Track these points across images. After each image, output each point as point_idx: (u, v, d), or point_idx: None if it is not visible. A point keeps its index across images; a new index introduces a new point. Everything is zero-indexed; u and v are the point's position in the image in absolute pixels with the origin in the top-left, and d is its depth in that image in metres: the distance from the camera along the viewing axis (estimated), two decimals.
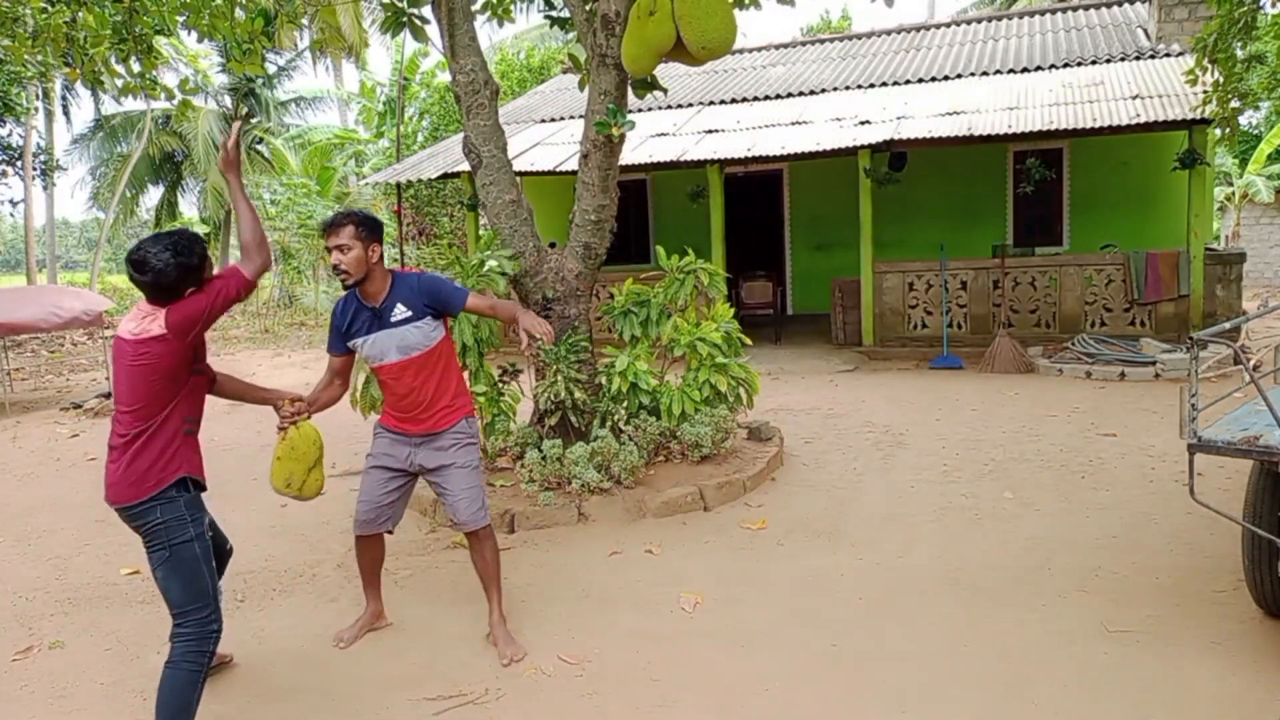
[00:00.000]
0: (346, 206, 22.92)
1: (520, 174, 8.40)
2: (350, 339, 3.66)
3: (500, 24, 7.12)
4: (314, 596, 4.47)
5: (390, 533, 3.96)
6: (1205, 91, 6.94)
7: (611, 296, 6.50)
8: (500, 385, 6.26)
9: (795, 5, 6.06)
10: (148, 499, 2.92)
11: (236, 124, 3.36)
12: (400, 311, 3.58)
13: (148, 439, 2.92)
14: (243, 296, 3.02)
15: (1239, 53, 6.40)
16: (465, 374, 6.10)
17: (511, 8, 7.06)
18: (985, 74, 12.93)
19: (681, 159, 11.22)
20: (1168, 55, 11.96)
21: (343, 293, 3.67)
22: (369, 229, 3.50)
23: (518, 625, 4.00)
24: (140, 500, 2.92)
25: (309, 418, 3.60)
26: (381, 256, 3.59)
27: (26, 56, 6.73)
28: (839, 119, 11.77)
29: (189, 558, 3.00)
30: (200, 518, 3.10)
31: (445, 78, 19.28)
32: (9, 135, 17.00)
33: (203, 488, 3.14)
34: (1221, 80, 6.61)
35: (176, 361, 2.92)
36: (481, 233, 14.39)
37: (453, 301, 3.65)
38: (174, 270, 2.88)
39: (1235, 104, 6.92)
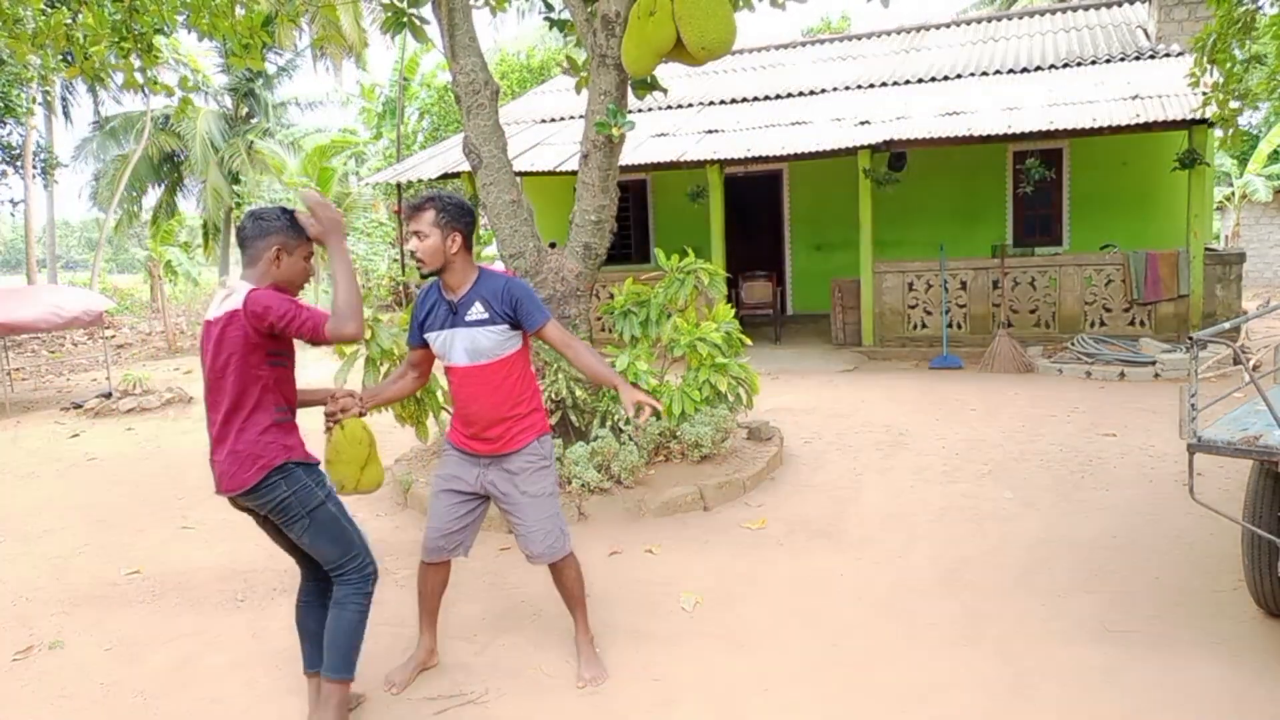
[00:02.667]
0: (345, 207, 22.94)
1: (520, 174, 8.41)
2: (426, 330, 3.36)
3: (494, 14, 7.13)
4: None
5: (464, 556, 3.66)
6: (1206, 93, 6.94)
7: (611, 296, 6.50)
8: None
9: (785, 9, 6.06)
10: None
11: (312, 189, 3.21)
12: (477, 311, 3.25)
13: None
14: (306, 338, 2.86)
15: (1238, 53, 6.40)
16: None
17: (507, 1, 7.07)
18: (985, 74, 12.94)
19: (681, 159, 11.23)
20: (1167, 55, 11.97)
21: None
22: (451, 215, 3.18)
23: (518, 625, 4.00)
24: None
25: (364, 414, 3.31)
26: (466, 246, 3.26)
27: (27, 57, 6.73)
28: (839, 119, 11.78)
29: (328, 519, 3.02)
30: (322, 479, 3.08)
31: (445, 78, 19.29)
32: (9, 135, 16.99)
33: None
34: (1221, 81, 6.61)
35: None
36: (482, 233, 14.43)
37: (530, 318, 3.27)
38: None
39: (1235, 105, 6.91)
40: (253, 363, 2.86)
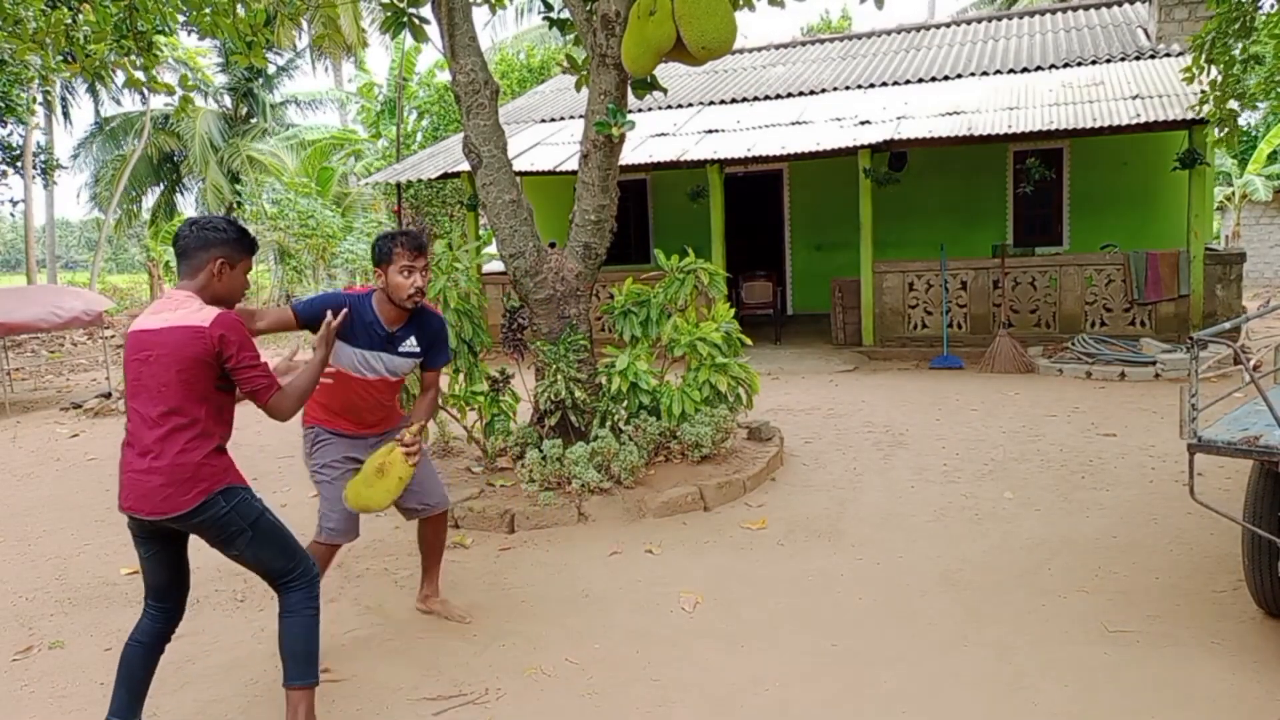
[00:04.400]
0: (345, 207, 22.94)
1: (520, 174, 8.40)
2: (349, 344, 3.46)
3: (494, 12, 7.13)
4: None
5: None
6: (1203, 91, 6.93)
7: (611, 296, 6.50)
8: (497, 387, 6.26)
9: (785, 7, 6.05)
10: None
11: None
12: (411, 345, 3.58)
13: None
14: (244, 390, 2.84)
15: (1236, 53, 6.39)
16: (460, 375, 6.14)
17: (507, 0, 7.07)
18: (985, 74, 12.94)
19: (681, 159, 11.22)
20: (1168, 55, 11.96)
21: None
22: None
23: (517, 626, 4.00)
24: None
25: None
26: None
27: (28, 56, 6.74)
28: (839, 119, 11.77)
29: (270, 527, 2.96)
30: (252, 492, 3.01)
31: (445, 77, 19.28)
32: (9, 135, 16.99)
33: None
34: (1220, 79, 6.60)
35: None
36: (481, 233, 14.44)
37: (436, 360, 3.69)
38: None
39: (1233, 104, 6.91)
40: (203, 383, 2.76)
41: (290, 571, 3.00)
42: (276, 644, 3.67)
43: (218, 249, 2.85)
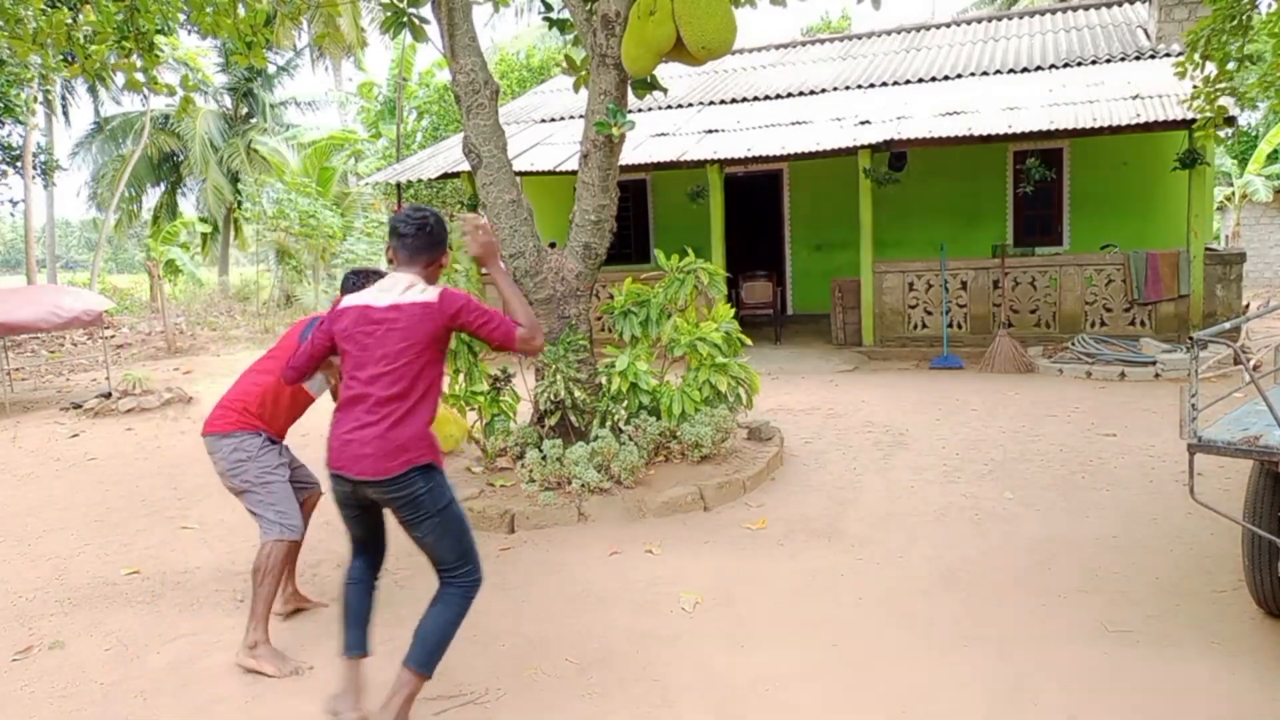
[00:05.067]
0: (345, 207, 22.94)
1: (520, 174, 8.41)
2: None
3: (497, 9, 7.13)
4: (314, 596, 4.46)
5: None
6: (1195, 87, 6.91)
7: (611, 297, 6.50)
8: (498, 386, 6.26)
9: (786, 6, 6.05)
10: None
11: (474, 216, 3.18)
12: None
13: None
14: (495, 342, 3.00)
15: (1233, 50, 6.37)
16: (459, 375, 6.14)
17: None
18: (985, 74, 12.94)
19: (681, 159, 11.23)
20: (1168, 55, 11.96)
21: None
22: None
23: (517, 626, 4.00)
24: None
25: None
26: None
27: (28, 56, 6.75)
28: (839, 119, 11.77)
29: (455, 519, 3.02)
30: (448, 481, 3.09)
31: (444, 77, 19.28)
32: (9, 135, 16.98)
33: None
34: (1213, 76, 6.57)
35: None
36: None
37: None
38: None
39: (1227, 101, 6.87)
40: (430, 358, 2.94)
41: (459, 568, 3.04)
42: (275, 644, 3.66)
43: (442, 249, 3.11)
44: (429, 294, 2.93)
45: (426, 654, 2.99)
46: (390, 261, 3.12)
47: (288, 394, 3.91)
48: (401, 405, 2.88)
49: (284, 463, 3.93)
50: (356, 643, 3.17)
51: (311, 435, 3.79)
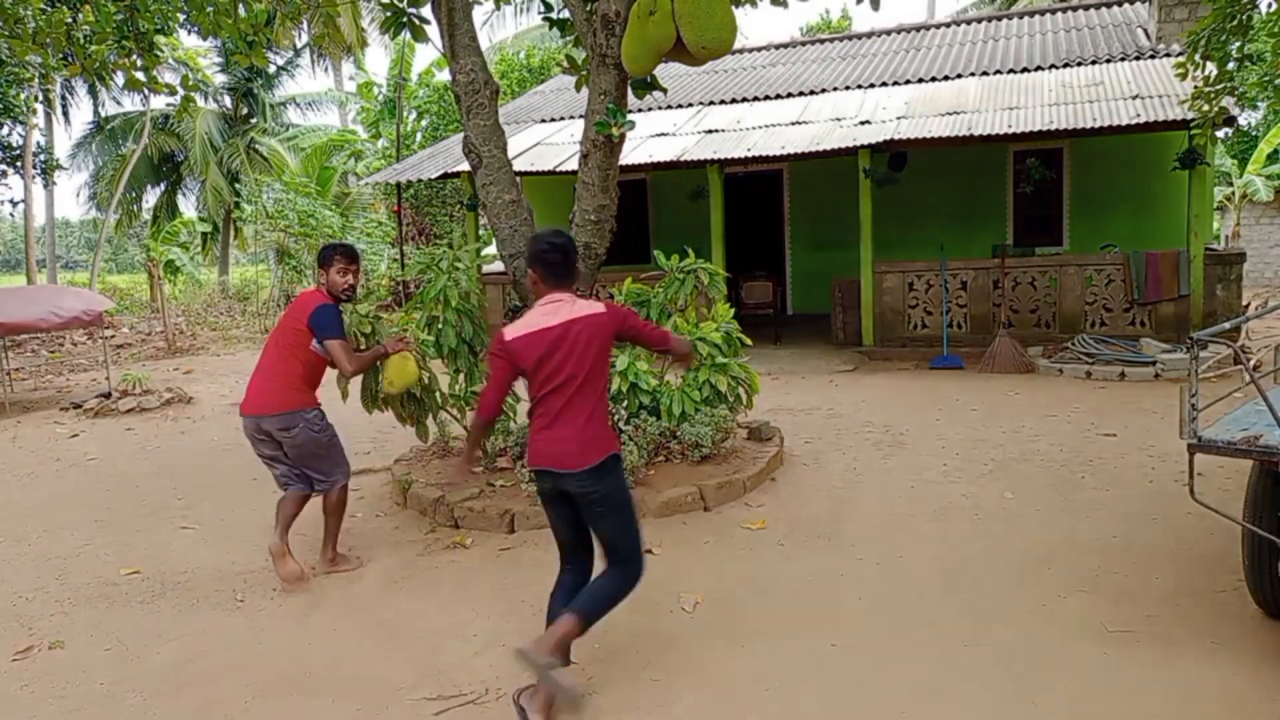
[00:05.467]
0: (345, 207, 22.96)
1: (520, 174, 8.40)
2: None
3: (498, 7, 7.13)
4: (314, 596, 4.47)
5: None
6: (1196, 87, 6.91)
7: (611, 296, 6.50)
8: None
9: (788, 6, 6.05)
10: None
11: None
12: None
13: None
14: (653, 343, 3.52)
15: (1233, 51, 6.36)
16: (460, 375, 6.14)
17: None
18: (985, 74, 12.93)
19: (681, 159, 11.22)
20: (1168, 55, 11.96)
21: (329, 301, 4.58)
22: None
23: (517, 626, 4.00)
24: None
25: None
26: None
27: (28, 56, 6.76)
28: (839, 119, 11.77)
29: (632, 515, 3.36)
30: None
31: (444, 77, 19.27)
32: (9, 135, 16.98)
33: None
34: (1213, 76, 6.57)
35: None
36: (481, 233, 14.41)
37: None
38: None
39: (1227, 101, 6.86)
40: (604, 362, 3.32)
41: (628, 560, 3.32)
42: (276, 643, 3.68)
43: (578, 257, 3.52)
44: (595, 307, 3.29)
45: (588, 606, 3.24)
46: (532, 288, 3.41)
47: (322, 367, 4.66)
48: (589, 406, 3.25)
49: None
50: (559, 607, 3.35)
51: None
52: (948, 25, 16.42)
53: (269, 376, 4.56)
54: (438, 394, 5.80)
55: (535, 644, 3.13)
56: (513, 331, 3.31)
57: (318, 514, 4.80)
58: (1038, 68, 12.72)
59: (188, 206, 27.84)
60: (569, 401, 3.23)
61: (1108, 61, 12.36)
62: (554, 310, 3.29)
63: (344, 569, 4.78)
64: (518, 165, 10.23)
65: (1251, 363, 7.17)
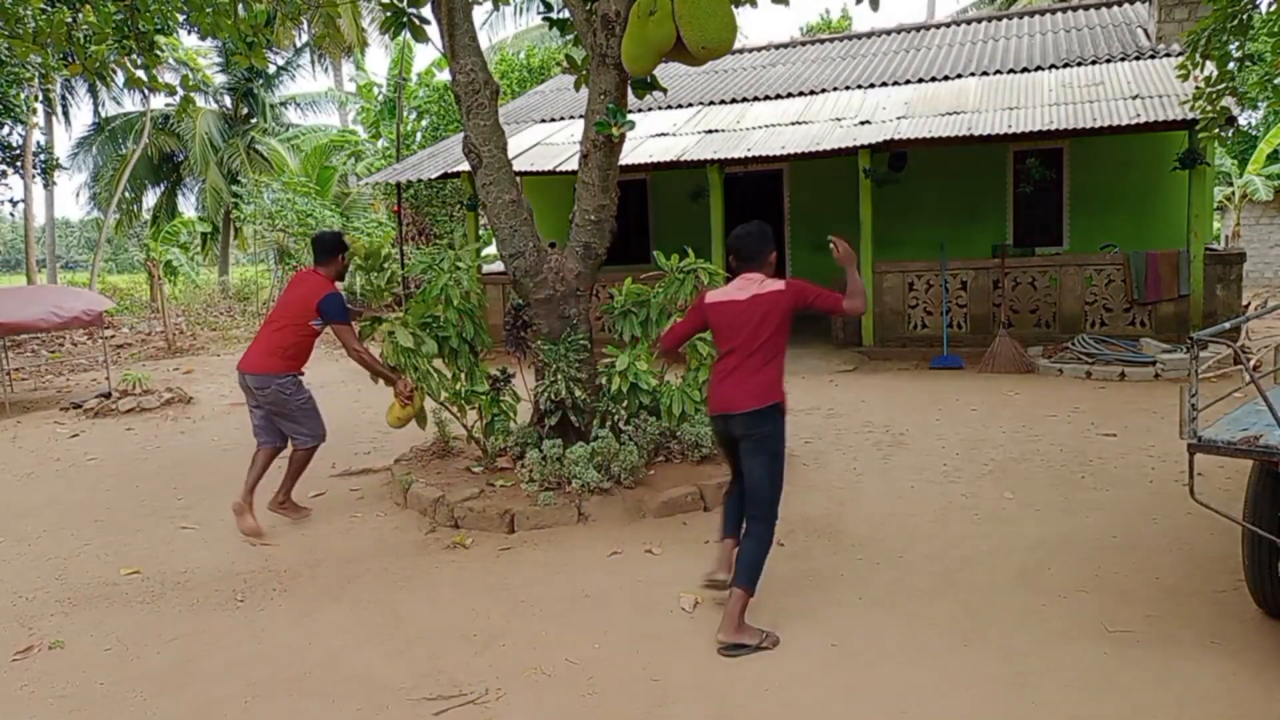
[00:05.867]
0: (345, 207, 22.96)
1: (520, 174, 8.40)
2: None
3: (497, 7, 7.14)
4: (314, 596, 4.47)
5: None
6: (1197, 87, 6.91)
7: (611, 297, 6.50)
8: (498, 386, 6.26)
9: (789, 4, 6.05)
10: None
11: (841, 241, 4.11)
12: None
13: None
14: (827, 309, 3.91)
15: (1233, 50, 6.36)
16: (460, 375, 6.14)
17: None
18: (985, 74, 12.93)
19: (681, 159, 11.22)
20: (1168, 55, 11.96)
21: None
22: None
23: (517, 625, 4.00)
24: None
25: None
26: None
27: (28, 56, 6.76)
28: (839, 119, 11.78)
29: (781, 464, 3.90)
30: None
31: (444, 77, 19.27)
32: (9, 135, 16.98)
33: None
34: (1214, 76, 6.56)
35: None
36: (481, 233, 14.39)
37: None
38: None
39: (1229, 102, 6.86)
40: (781, 331, 3.90)
41: (768, 507, 3.87)
42: (275, 644, 3.70)
43: (770, 247, 4.02)
44: (777, 285, 3.90)
45: (748, 574, 3.76)
46: (732, 267, 4.07)
47: (309, 343, 5.43)
48: (761, 365, 3.86)
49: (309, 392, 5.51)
50: (730, 530, 4.13)
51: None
52: (948, 25, 16.42)
53: (261, 342, 5.39)
54: (435, 383, 5.81)
55: (724, 630, 3.70)
56: (712, 296, 4.06)
57: (316, 515, 4.80)
58: (1038, 68, 12.72)
59: (187, 207, 27.86)
60: (743, 362, 3.88)
61: (1108, 61, 12.35)
62: (745, 286, 3.95)
63: (290, 514, 5.60)
64: (518, 165, 10.23)
65: (1251, 363, 7.17)
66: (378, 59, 60.71)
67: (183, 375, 12.69)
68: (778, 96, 13.87)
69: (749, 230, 4.10)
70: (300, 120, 27.89)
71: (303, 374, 5.49)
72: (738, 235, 4.10)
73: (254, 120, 26.76)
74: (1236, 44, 6.32)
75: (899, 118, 11.21)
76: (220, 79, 26.39)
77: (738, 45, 12.29)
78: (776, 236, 14.73)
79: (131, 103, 26.71)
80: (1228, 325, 3.91)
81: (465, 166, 8.83)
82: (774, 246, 4.10)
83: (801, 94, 13.77)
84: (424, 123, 21.23)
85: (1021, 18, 15.97)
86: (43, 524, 5.94)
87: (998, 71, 12.92)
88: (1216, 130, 6.78)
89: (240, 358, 5.47)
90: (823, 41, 17.29)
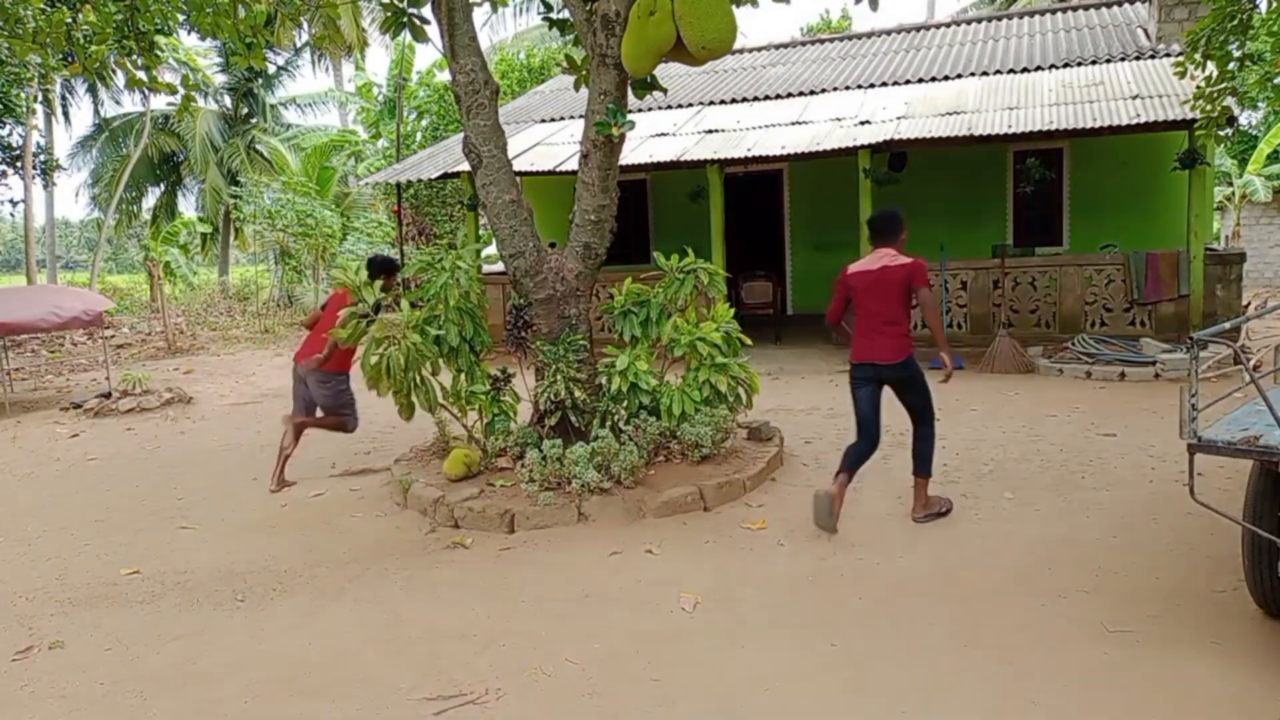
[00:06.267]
0: (345, 207, 22.96)
1: (520, 174, 8.40)
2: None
3: (495, 9, 7.14)
4: (314, 596, 4.47)
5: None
6: (1198, 87, 6.90)
7: (611, 297, 6.50)
8: (498, 386, 6.26)
9: (790, 3, 6.06)
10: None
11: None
12: None
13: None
14: (922, 285, 4.91)
15: (1233, 50, 6.35)
16: (460, 375, 6.15)
17: None
18: (985, 74, 12.93)
19: (681, 159, 11.22)
20: (1168, 55, 11.95)
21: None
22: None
23: (517, 626, 4.00)
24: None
25: None
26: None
27: (28, 56, 6.76)
28: (839, 119, 11.77)
29: (927, 390, 5.13)
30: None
31: (444, 77, 19.27)
32: (9, 135, 16.97)
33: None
34: (1213, 76, 6.56)
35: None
36: (481, 233, 14.39)
37: None
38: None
39: (1229, 102, 6.85)
40: (905, 296, 4.93)
41: (927, 412, 5.13)
42: (276, 644, 3.71)
43: (900, 228, 5.03)
44: (903, 260, 4.91)
45: (924, 464, 5.09)
46: (873, 243, 5.08)
47: (352, 351, 6.39)
48: (893, 321, 4.95)
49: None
50: (848, 466, 4.99)
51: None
52: (948, 25, 16.41)
53: (313, 343, 6.48)
54: (435, 386, 5.81)
55: (916, 509, 5.11)
56: (852, 267, 5.10)
57: (316, 516, 4.79)
58: (1038, 68, 12.72)
59: (187, 207, 27.83)
60: (876, 321, 4.95)
61: (1108, 61, 12.35)
62: (878, 259, 4.97)
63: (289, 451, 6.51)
64: (518, 165, 10.24)
65: (1251, 363, 7.17)
66: (378, 59, 60.69)
67: (183, 375, 12.69)
68: (778, 96, 13.87)
69: (884, 213, 5.09)
70: (300, 120, 27.89)
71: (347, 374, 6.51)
72: (875, 216, 5.11)
73: (254, 120, 26.76)
74: (1236, 44, 6.32)
75: (899, 118, 11.21)
76: (220, 79, 26.38)
77: (738, 45, 12.29)
78: (776, 236, 14.81)
79: (131, 103, 26.79)
80: (1228, 325, 3.91)
81: (465, 166, 8.83)
82: (904, 227, 5.04)
83: (801, 94, 13.77)
84: (424, 123, 21.24)
85: (1021, 18, 15.97)
86: (43, 524, 5.94)
87: (998, 71, 12.92)
88: (1216, 129, 6.78)
89: (297, 351, 6.64)
90: (823, 41, 17.29)
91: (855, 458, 5.02)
